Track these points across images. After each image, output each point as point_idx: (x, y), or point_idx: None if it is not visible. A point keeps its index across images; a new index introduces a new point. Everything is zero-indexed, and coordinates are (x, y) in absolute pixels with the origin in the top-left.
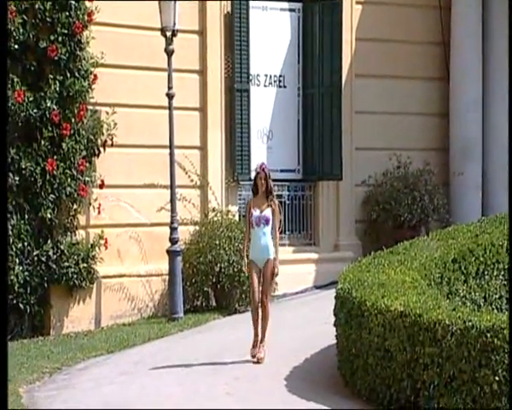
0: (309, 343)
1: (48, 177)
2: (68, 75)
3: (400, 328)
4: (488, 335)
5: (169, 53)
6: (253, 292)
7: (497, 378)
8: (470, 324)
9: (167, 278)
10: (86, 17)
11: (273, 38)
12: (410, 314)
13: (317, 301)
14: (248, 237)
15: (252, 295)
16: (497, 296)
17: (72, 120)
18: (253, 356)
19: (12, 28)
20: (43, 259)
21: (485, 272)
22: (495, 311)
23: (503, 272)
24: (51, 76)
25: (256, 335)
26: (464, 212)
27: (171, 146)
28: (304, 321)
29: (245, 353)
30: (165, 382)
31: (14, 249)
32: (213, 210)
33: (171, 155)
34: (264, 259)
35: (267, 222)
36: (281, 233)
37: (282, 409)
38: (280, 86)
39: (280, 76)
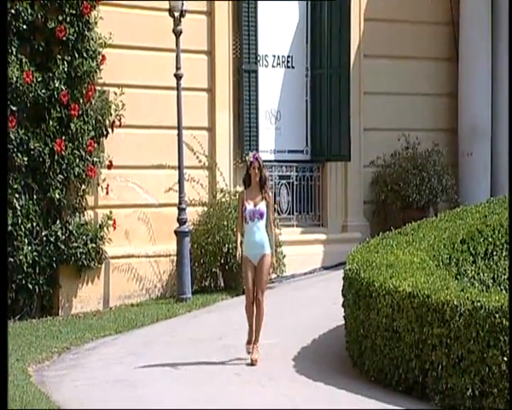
0: (317, 324)
1: (56, 157)
2: (76, 56)
3: (408, 309)
4: (497, 315)
5: (177, 34)
6: (248, 289)
7: (505, 359)
8: (479, 304)
9: (175, 258)
10: None
11: (281, 19)
12: (419, 295)
13: (325, 281)
14: (241, 232)
15: (246, 293)
16: (505, 277)
17: (81, 101)
18: (248, 352)
19: (20, 9)
20: (52, 239)
21: (494, 253)
22: (503, 291)
23: None
24: (59, 56)
25: (251, 331)
26: (473, 192)
27: (179, 127)
28: (312, 302)
29: None
30: (174, 362)
31: (23, 230)
32: (221, 191)
33: (180, 135)
34: (258, 254)
35: (261, 216)
36: (289, 214)
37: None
38: (288, 67)
39: (288, 56)
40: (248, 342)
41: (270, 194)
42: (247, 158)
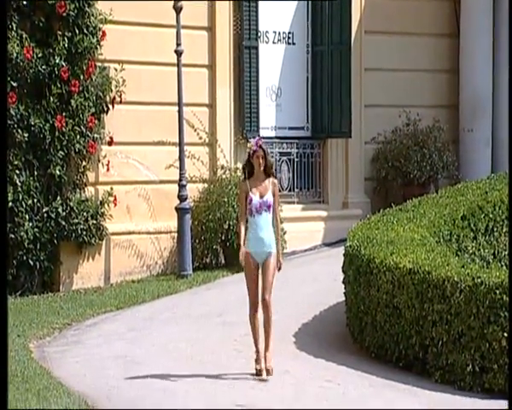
0: (317, 300)
1: (57, 133)
2: (77, 32)
3: (409, 285)
4: (497, 291)
5: (177, 10)
6: (252, 293)
7: (505, 335)
8: (479, 280)
9: (176, 235)
10: None
11: None
12: (419, 271)
13: (326, 258)
14: (245, 226)
15: (250, 299)
16: (506, 253)
17: (81, 77)
18: (258, 372)
19: None
20: (53, 215)
21: (495, 229)
22: (504, 267)
23: None
24: (60, 32)
25: (258, 350)
26: (474, 169)
27: (179, 103)
28: (312, 278)
29: None
30: (173, 338)
31: (24, 206)
32: (222, 168)
33: (180, 112)
34: (265, 252)
35: (269, 208)
36: (290, 191)
37: None
38: (289, 43)
39: (289, 33)
40: (257, 361)
41: (276, 182)
42: (248, 145)
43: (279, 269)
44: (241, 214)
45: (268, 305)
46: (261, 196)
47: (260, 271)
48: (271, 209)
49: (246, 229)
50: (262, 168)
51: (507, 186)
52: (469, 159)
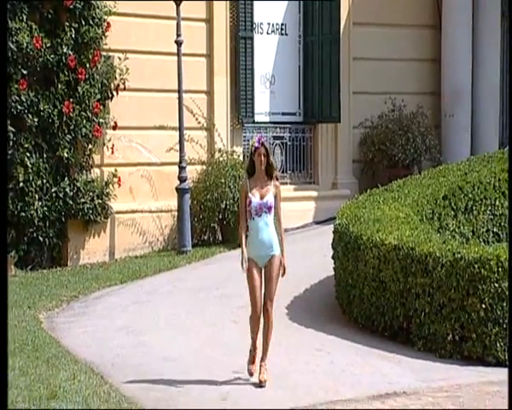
0: (309, 275)
1: (64, 118)
2: (83, 23)
3: (394, 260)
4: (476, 266)
5: (177, 2)
6: (255, 299)
7: (483, 306)
8: (459, 256)
9: (176, 213)
10: None
11: None
12: (404, 247)
13: (317, 235)
14: (245, 228)
15: (253, 303)
16: (484, 230)
17: (87, 65)
18: (251, 373)
19: None
20: (61, 195)
21: (474, 208)
22: (482, 244)
23: (490, 208)
24: (67, 23)
25: (255, 348)
26: (454, 152)
27: (179, 90)
28: (304, 254)
29: None
30: (174, 310)
31: (34, 186)
32: (219, 151)
33: (180, 98)
34: (267, 256)
35: (269, 210)
36: (283, 173)
37: None
38: (282, 34)
39: (282, 24)
40: (251, 362)
41: (278, 183)
42: (250, 143)
43: (283, 274)
44: (241, 217)
45: (270, 314)
46: (261, 198)
47: (263, 276)
48: (272, 211)
49: (246, 236)
50: (263, 167)
51: (485, 168)
52: (450, 143)
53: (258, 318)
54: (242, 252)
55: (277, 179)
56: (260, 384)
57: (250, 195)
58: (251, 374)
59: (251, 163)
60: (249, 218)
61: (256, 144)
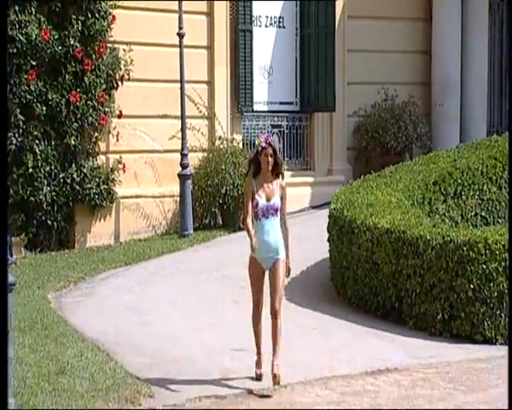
0: (305, 257)
1: (72, 107)
2: (89, 16)
3: (386, 243)
4: (464, 248)
5: None
6: (257, 301)
7: (471, 286)
8: (449, 238)
9: (178, 198)
10: None
11: None
12: (395, 231)
13: (313, 219)
14: (248, 216)
15: (254, 306)
16: (472, 214)
17: (93, 57)
18: (258, 377)
19: None
20: (68, 181)
21: (463, 193)
22: (471, 227)
23: (478, 193)
24: (74, 17)
25: (259, 353)
26: (444, 139)
27: (181, 81)
28: (300, 237)
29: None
30: (177, 290)
31: (43, 172)
32: (219, 138)
33: (182, 88)
34: (271, 259)
35: (276, 212)
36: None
37: None
38: (279, 27)
39: (280, 17)
40: (258, 366)
41: (284, 184)
42: (256, 142)
43: (288, 275)
44: (246, 210)
45: (277, 313)
46: (268, 199)
47: (268, 278)
48: (279, 213)
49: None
50: (270, 168)
51: (473, 154)
52: (440, 131)
53: (259, 319)
54: (251, 237)
55: (283, 177)
56: (275, 380)
57: (257, 196)
58: (258, 378)
59: (256, 162)
60: (255, 219)
61: (263, 144)
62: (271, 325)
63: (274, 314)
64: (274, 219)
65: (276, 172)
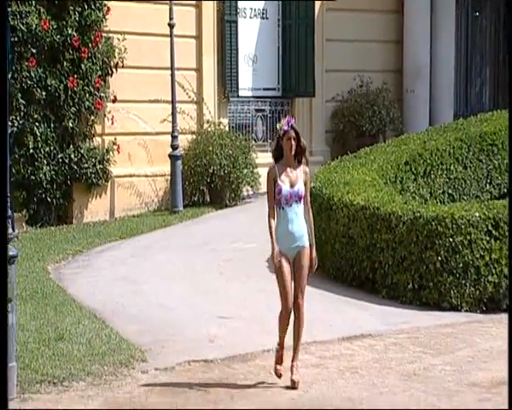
0: None
1: (69, 92)
2: (86, 7)
3: (361, 219)
4: (433, 223)
5: None
6: (286, 294)
7: (439, 258)
8: (418, 214)
9: (169, 178)
10: None
11: None
12: (370, 207)
13: None
14: (274, 219)
15: (284, 299)
16: (440, 192)
17: (90, 45)
18: (279, 375)
19: None
20: (67, 161)
21: (431, 172)
22: (439, 203)
23: (445, 172)
24: (71, 8)
25: (282, 348)
26: (414, 123)
27: (172, 68)
28: None
29: (234, 240)
30: (168, 262)
31: (42, 153)
32: (207, 122)
33: (172, 75)
34: (296, 248)
35: (300, 200)
36: (264, 141)
37: None
38: (263, 18)
39: (263, 9)
40: (278, 362)
41: (307, 169)
42: (278, 126)
43: (315, 268)
44: (270, 205)
45: (300, 308)
46: (291, 186)
47: (292, 268)
48: (303, 200)
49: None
50: (293, 152)
51: (442, 137)
52: (411, 115)
53: (288, 315)
54: (273, 244)
55: (307, 163)
56: (293, 386)
57: (280, 182)
58: (279, 376)
59: (279, 148)
60: (278, 207)
61: (285, 127)
62: (294, 320)
63: (297, 307)
64: (298, 207)
65: (300, 158)
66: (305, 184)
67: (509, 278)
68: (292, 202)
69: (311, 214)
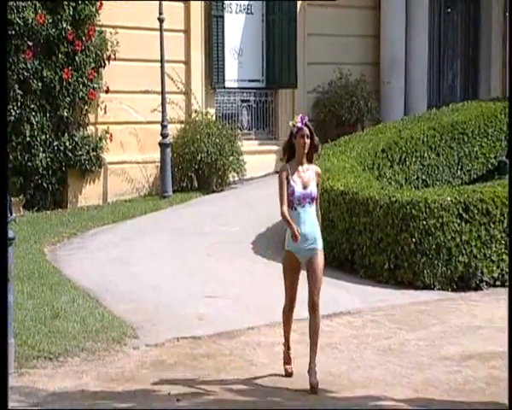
0: (270, 215)
1: (64, 83)
2: (79, 2)
3: (341, 203)
4: (408, 207)
5: None
6: (291, 297)
7: (413, 240)
8: (394, 199)
9: (159, 164)
10: None
11: None
12: (349, 192)
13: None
14: (288, 217)
15: (287, 302)
16: (414, 177)
17: (83, 39)
18: (288, 374)
19: None
20: (62, 148)
21: (406, 159)
22: (413, 189)
23: (419, 159)
24: (66, 2)
25: (288, 347)
26: (391, 112)
27: (161, 60)
28: (266, 198)
29: (222, 223)
30: (158, 245)
31: (39, 140)
32: (195, 112)
33: (162, 67)
34: (310, 250)
35: (313, 201)
36: (249, 130)
37: None
38: (248, 13)
39: (248, 5)
40: (287, 362)
41: (320, 171)
42: (290, 123)
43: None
44: (282, 200)
45: (316, 308)
46: (304, 187)
47: (306, 271)
48: (315, 202)
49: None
50: (306, 150)
51: (416, 126)
52: (387, 105)
53: (291, 312)
54: (291, 225)
55: (318, 153)
56: (312, 390)
57: (292, 183)
58: (289, 375)
59: (290, 145)
60: (290, 208)
61: (299, 124)
62: (309, 322)
63: (313, 308)
64: (310, 208)
65: (311, 156)
66: (317, 185)
67: (509, 273)
68: (305, 203)
69: (319, 215)
